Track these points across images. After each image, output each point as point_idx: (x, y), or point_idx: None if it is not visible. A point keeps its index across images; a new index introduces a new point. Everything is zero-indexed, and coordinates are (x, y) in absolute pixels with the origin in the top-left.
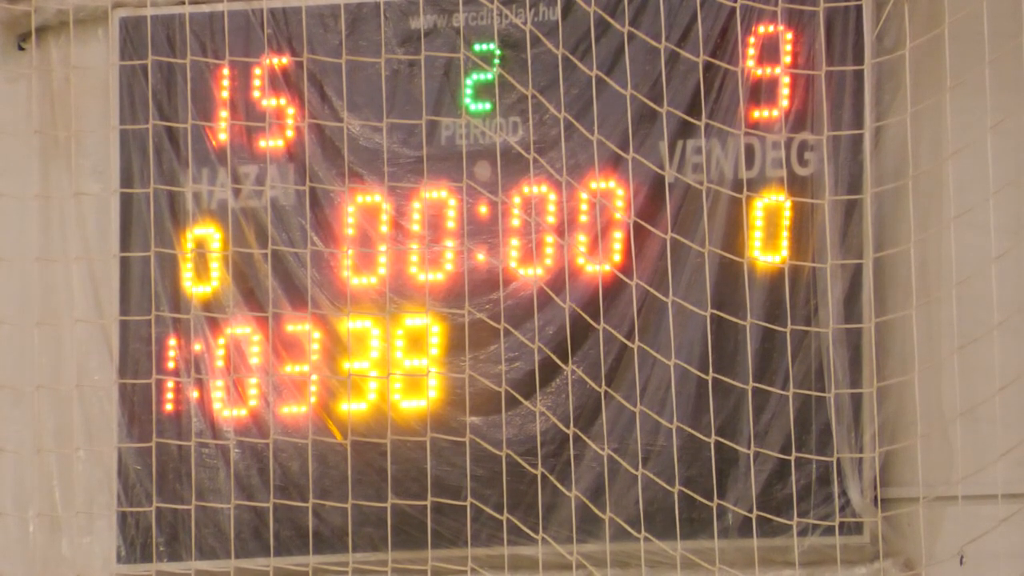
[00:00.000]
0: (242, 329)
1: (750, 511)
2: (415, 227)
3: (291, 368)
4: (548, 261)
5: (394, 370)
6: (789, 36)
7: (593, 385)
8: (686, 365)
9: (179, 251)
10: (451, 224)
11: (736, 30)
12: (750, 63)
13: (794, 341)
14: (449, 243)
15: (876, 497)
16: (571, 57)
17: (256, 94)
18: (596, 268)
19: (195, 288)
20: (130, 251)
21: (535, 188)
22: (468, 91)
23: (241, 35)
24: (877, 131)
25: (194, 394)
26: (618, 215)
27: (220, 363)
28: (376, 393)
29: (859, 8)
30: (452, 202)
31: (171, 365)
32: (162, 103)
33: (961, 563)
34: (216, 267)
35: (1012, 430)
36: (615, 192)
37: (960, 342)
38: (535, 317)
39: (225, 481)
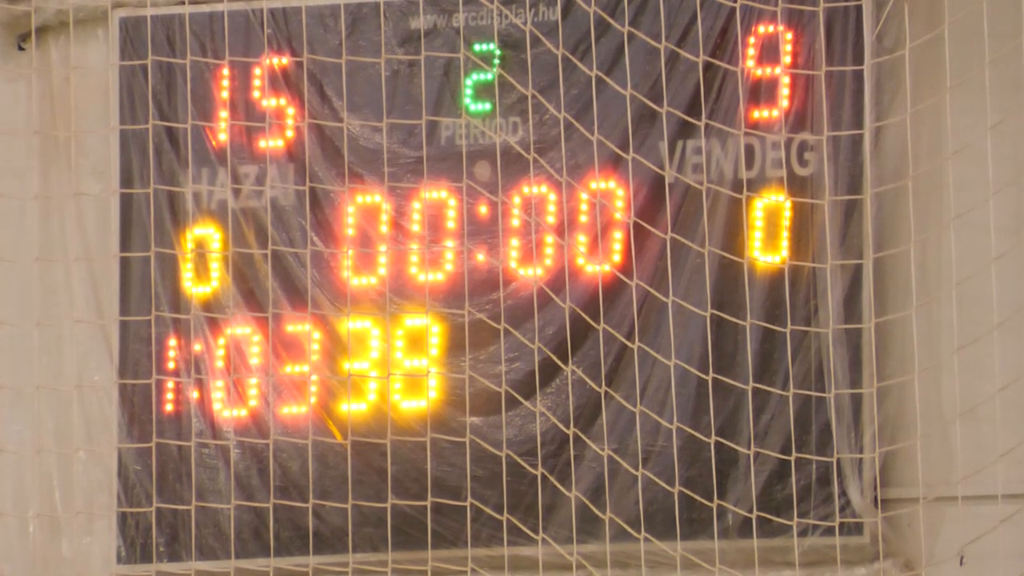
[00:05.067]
0: (242, 329)
1: (750, 511)
2: (415, 227)
3: (291, 368)
4: (548, 261)
5: (394, 370)
6: (789, 36)
7: (593, 385)
8: (686, 365)
9: (179, 251)
10: (451, 224)
11: (736, 30)
12: (750, 63)
13: (794, 341)
14: (449, 243)
15: (876, 497)
16: (571, 57)
17: (256, 94)
18: (596, 268)
19: (195, 288)
20: (130, 251)
21: (535, 188)
22: (468, 91)
23: (241, 35)
24: (877, 131)
25: (194, 394)
26: (618, 215)
27: (220, 363)
28: (376, 393)
29: (859, 8)
30: (452, 202)
31: (171, 365)
32: (162, 103)
33: (961, 563)
34: (216, 267)
35: (1012, 430)
36: (615, 192)
37: (960, 342)
38: (535, 317)
39: (225, 481)
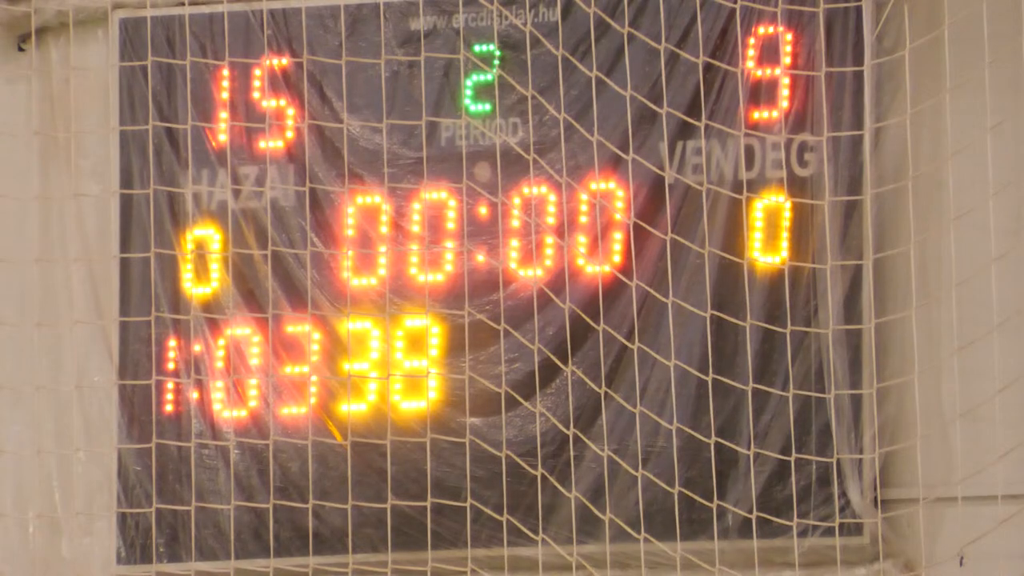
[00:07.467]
0: (242, 330)
1: (750, 512)
2: (415, 228)
3: (291, 369)
4: (548, 262)
5: (394, 371)
6: (789, 37)
7: (593, 386)
8: (686, 366)
9: (179, 252)
10: (451, 225)
11: (736, 31)
12: (750, 64)
13: (794, 342)
14: (449, 244)
15: (876, 498)
16: (571, 58)
17: (256, 95)
18: (596, 269)
19: (195, 289)
20: (130, 252)
21: (535, 189)
22: (468, 92)
23: (241, 36)
24: (877, 132)
25: (194, 395)
26: (618, 216)
27: (220, 364)
28: (376, 394)
29: (859, 9)
30: (452, 203)
31: (171, 366)
32: (162, 104)
33: (961, 564)
34: (216, 268)
35: (1012, 430)
36: (615, 193)
37: (960, 343)
38: (535, 318)
39: (225, 482)
